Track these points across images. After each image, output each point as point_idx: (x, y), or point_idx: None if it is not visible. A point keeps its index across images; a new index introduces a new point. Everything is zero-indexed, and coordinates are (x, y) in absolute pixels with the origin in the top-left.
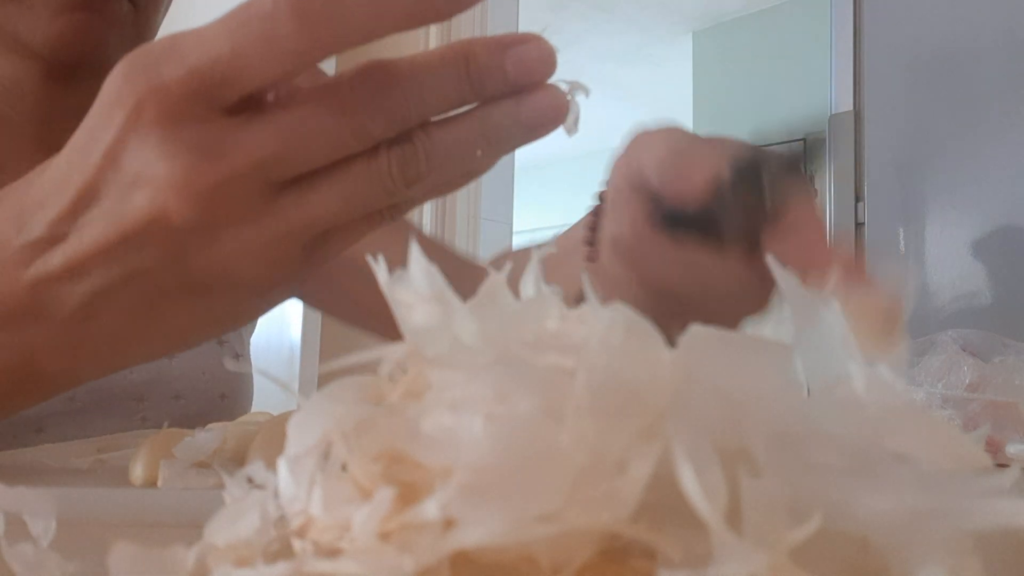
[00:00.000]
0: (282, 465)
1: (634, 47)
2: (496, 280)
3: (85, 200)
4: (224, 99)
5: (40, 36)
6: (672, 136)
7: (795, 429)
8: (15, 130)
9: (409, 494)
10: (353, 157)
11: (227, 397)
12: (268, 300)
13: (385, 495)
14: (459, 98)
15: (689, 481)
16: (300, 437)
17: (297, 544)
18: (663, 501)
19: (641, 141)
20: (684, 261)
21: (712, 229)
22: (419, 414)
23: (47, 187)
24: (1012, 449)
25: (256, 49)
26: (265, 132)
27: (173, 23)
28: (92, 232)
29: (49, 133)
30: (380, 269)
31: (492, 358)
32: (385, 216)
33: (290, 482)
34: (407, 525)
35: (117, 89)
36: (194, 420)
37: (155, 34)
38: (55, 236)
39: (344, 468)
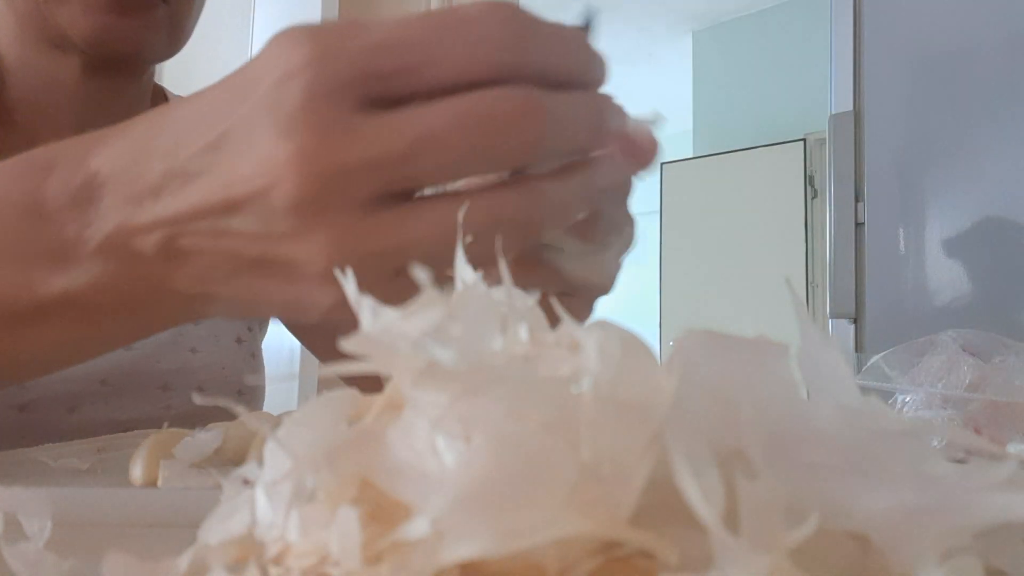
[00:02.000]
0: (258, 491)
1: (634, 47)
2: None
3: (204, 150)
4: (391, 88)
5: (77, 32)
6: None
7: (791, 429)
8: (54, 123)
9: (388, 515)
10: (475, 193)
11: (243, 394)
12: (337, 310)
13: (350, 515)
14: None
15: (687, 484)
16: (274, 462)
17: (274, 572)
18: (662, 504)
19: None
20: None
21: None
22: (393, 439)
23: (180, 119)
24: (1012, 449)
25: (453, 50)
26: (396, 133)
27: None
28: (198, 188)
29: (85, 126)
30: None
31: (476, 374)
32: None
33: (267, 508)
34: (398, 544)
35: (286, 46)
36: (212, 413)
37: (190, 33)
38: (169, 175)
39: (316, 494)
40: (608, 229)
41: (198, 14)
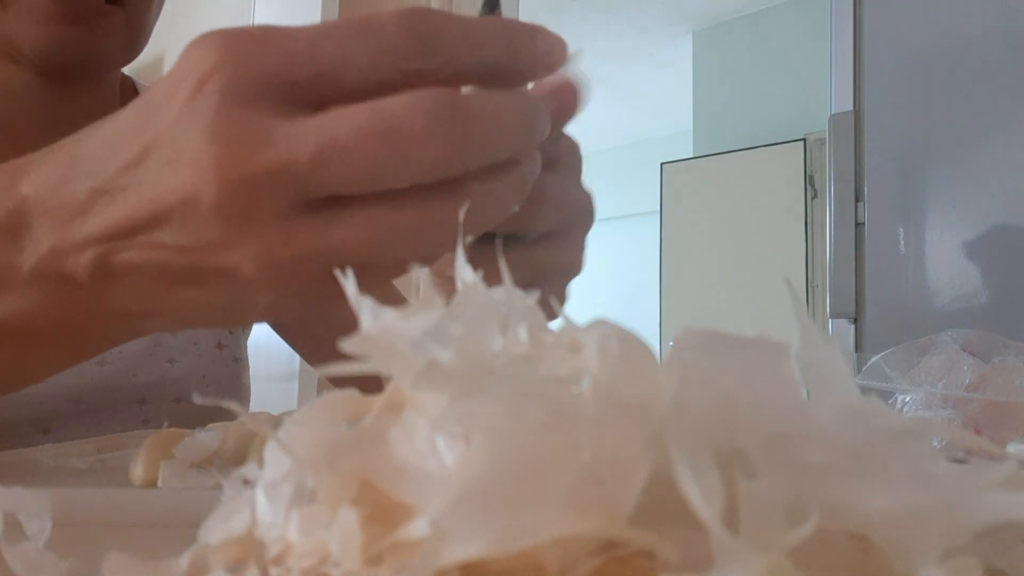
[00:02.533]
0: (258, 491)
1: (634, 47)
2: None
3: (130, 164)
4: (306, 94)
5: (28, 44)
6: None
7: (791, 429)
8: (11, 133)
9: (388, 516)
10: (400, 193)
11: (227, 400)
12: (276, 311)
13: (350, 516)
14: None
15: (687, 484)
16: (275, 462)
17: (274, 572)
18: (662, 504)
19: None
20: None
21: None
22: (394, 439)
23: (101, 140)
24: (1012, 449)
25: (363, 54)
26: (303, 140)
27: (175, 24)
28: (125, 201)
29: (47, 135)
30: (365, 312)
31: (476, 374)
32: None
33: (267, 508)
34: (398, 545)
35: (197, 54)
36: (195, 422)
37: (148, 37)
38: (97, 193)
39: (317, 494)
40: (562, 209)
41: (156, 17)
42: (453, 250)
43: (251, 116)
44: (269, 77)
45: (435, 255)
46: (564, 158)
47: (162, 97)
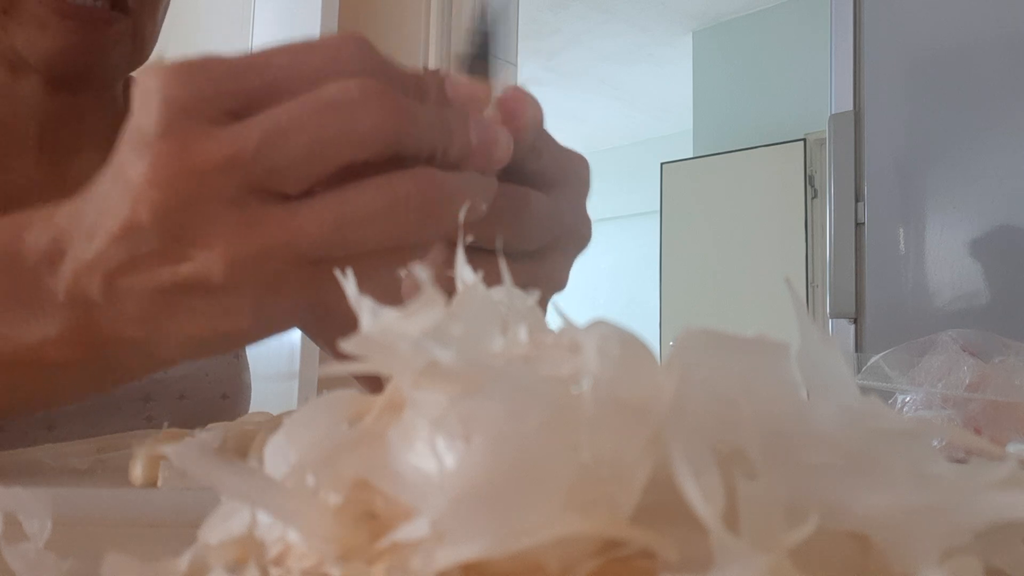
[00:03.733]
0: None
1: (634, 47)
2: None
3: (109, 190)
4: (246, 106)
5: (34, 52)
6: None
7: (791, 429)
8: (14, 136)
9: (388, 516)
10: (360, 178)
11: (228, 397)
12: (268, 320)
13: (350, 516)
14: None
15: (687, 484)
16: (274, 462)
17: (274, 572)
18: (662, 504)
19: None
20: None
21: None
22: (394, 439)
23: (104, 177)
24: (1012, 449)
25: (304, 65)
26: (247, 131)
27: (175, 27)
28: (104, 225)
29: (49, 138)
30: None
31: (476, 374)
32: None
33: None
34: (398, 545)
35: (147, 80)
36: (197, 420)
37: (154, 43)
38: (94, 229)
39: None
40: (547, 228)
41: (161, 24)
42: (424, 235)
43: (190, 122)
44: (211, 90)
45: (406, 239)
46: (562, 177)
47: (129, 152)
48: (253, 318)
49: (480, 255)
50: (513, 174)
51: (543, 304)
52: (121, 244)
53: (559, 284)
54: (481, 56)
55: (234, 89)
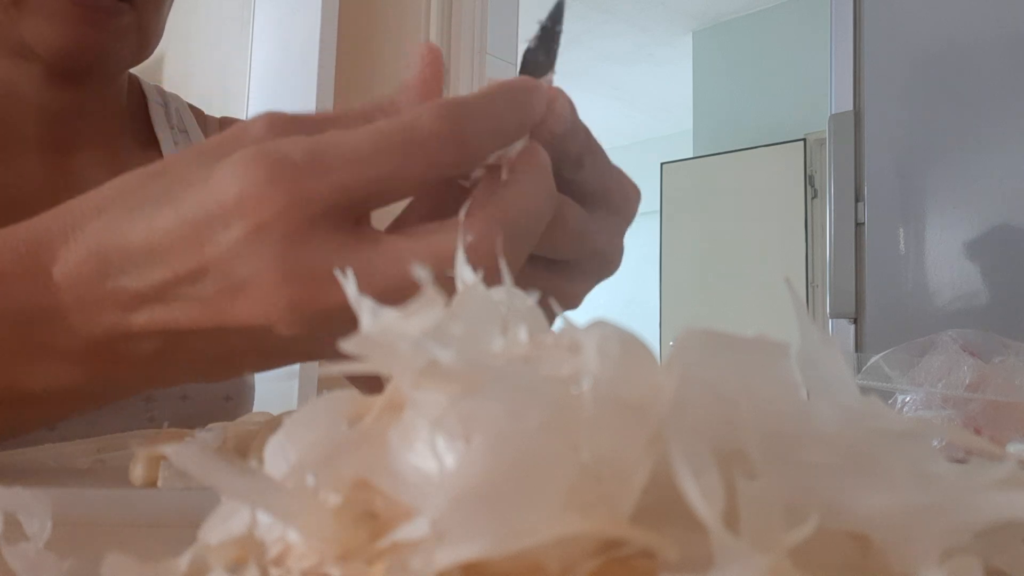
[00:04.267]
0: None
1: (634, 47)
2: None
3: (184, 280)
4: (358, 213)
5: (42, 44)
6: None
7: (791, 429)
8: (15, 131)
9: (388, 516)
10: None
11: (231, 399)
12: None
13: (350, 516)
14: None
15: (687, 484)
16: (274, 462)
17: (274, 572)
18: (662, 504)
19: None
20: None
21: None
22: (393, 439)
23: (142, 244)
24: (1012, 449)
25: (413, 170)
26: (380, 269)
27: (175, 24)
28: (187, 310)
29: (50, 134)
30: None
31: (476, 374)
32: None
33: None
34: (398, 545)
35: (250, 188)
36: (199, 420)
37: (159, 38)
38: (144, 296)
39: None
40: (580, 244)
41: (165, 18)
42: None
43: (316, 253)
44: (327, 209)
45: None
46: (603, 197)
47: (212, 218)
48: (304, 356)
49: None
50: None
51: (549, 318)
52: (202, 332)
53: (572, 303)
54: (546, 52)
55: (349, 203)
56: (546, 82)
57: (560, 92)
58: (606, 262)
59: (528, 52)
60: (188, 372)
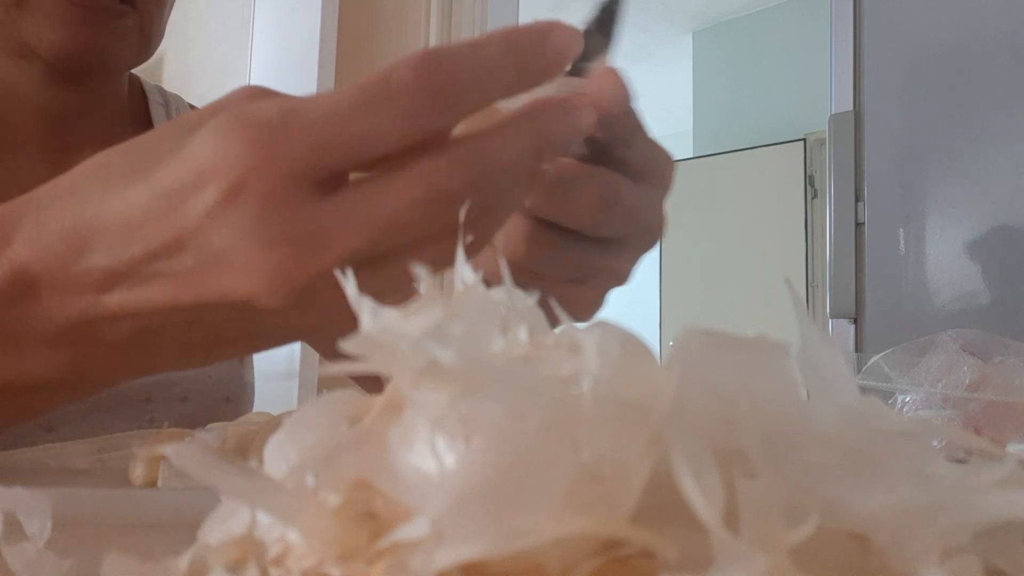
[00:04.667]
0: None
1: (634, 47)
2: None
3: (159, 254)
4: (336, 171)
5: (44, 44)
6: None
7: (791, 429)
8: (15, 131)
9: (388, 516)
10: (399, 171)
11: (231, 400)
12: (296, 333)
13: (350, 516)
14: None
15: (687, 484)
16: (274, 462)
17: (274, 572)
18: (662, 504)
19: None
20: None
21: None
22: (393, 439)
23: (115, 220)
24: (1012, 449)
25: (389, 124)
26: (361, 217)
27: (175, 24)
28: (165, 287)
29: (51, 134)
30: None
31: (476, 374)
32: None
33: None
34: (398, 545)
35: (223, 151)
36: (199, 422)
37: (161, 39)
38: (119, 274)
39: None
40: (632, 220)
41: (167, 19)
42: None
43: (295, 213)
44: (304, 169)
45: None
46: (647, 170)
47: (186, 187)
48: (287, 336)
49: (558, 233)
50: (601, 159)
51: (600, 296)
52: (182, 311)
53: (622, 278)
54: (604, 32)
55: (326, 162)
56: (601, 61)
57: (614, 72)
58: (652, 234)
59: (586, 32)
60: (168, 358)
